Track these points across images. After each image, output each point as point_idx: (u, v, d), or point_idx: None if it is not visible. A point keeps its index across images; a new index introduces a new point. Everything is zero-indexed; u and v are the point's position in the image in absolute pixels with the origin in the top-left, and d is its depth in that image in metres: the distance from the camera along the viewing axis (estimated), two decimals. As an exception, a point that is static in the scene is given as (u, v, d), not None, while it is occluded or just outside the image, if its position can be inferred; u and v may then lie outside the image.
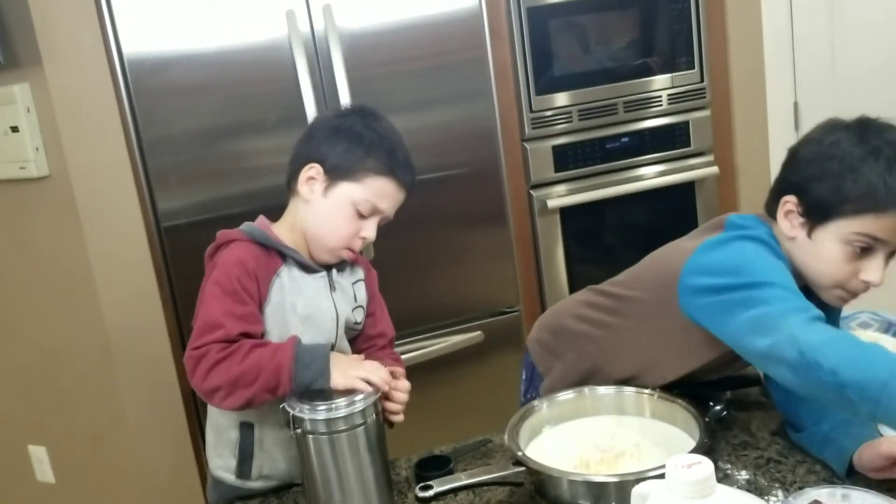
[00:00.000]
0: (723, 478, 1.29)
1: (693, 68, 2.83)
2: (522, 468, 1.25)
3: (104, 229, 2.31)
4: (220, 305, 1.33)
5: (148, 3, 2.23)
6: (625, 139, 2.80)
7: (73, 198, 2.27)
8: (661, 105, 2.83)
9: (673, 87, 2.83)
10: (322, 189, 1.41)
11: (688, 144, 2.88)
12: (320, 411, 1.24)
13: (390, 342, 1.60)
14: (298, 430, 1.24)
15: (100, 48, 2.24)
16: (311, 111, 2.34)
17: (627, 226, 2.87)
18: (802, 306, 1.19)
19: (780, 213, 1.32)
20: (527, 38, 2.64)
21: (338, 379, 1.29)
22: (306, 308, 1.42)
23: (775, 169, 2.88)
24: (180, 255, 2.35)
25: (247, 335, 1.33)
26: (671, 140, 2.87)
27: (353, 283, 1.51)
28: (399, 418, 1.39)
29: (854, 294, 1.31)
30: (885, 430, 1.34)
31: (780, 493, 1.24)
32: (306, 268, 1.43)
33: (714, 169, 2.89)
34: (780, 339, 1.14)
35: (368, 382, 1.29)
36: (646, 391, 1.43)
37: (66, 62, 2.22)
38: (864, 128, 1.28)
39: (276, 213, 1.49)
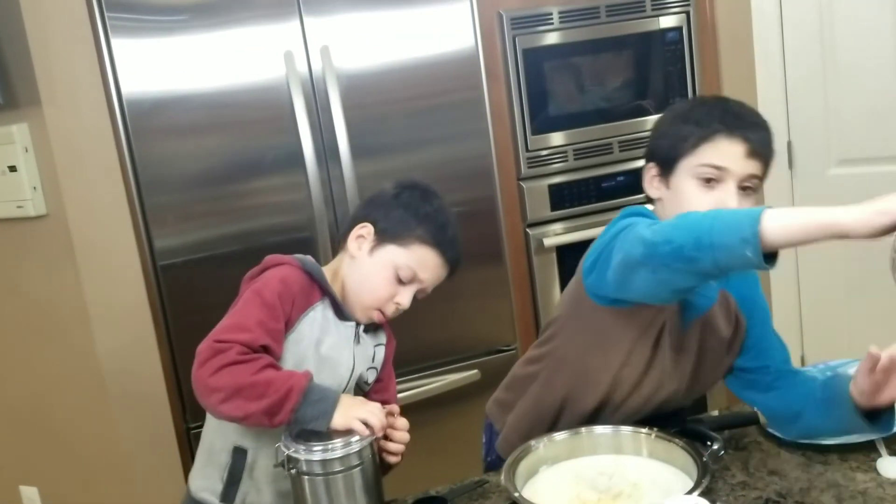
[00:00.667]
0: (721, 518, 1.29)
1: (687, 107, 2.86)
2: (518, 509, 1.24)
3: (100, 268, 2.30)
4: (256, 313, 1.35)
5: (147, 44, 2.25)
6: (620, 178, 2.82)
7: (69, 237, 2.27)
8: (655, 144, 2.84)
9: (667, 126, 2.85)
10: (369, 248, 1.46)
11: (682, 183, 2.89)
12: (316, 452, 1.24)
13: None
14: (293, 471, 1.24)
15: (99, 89, 2.25)
16: (308, 151, 2.36)
17: (623, 264, 2.88)
18: (651, 222, 1.30)
19: (646, 183, 1.48)
20: (523, 78, 2.67)
21: (338, 418, 1.29)
22: (329, 349, 1.43)
23: (770, 205, 2.94)
24: (177, 293, 2.34)
25: (267, 350, 1.33)
26: (666, 178, 2.88)
27: (375, 346, 1.54)
28: (396, 460, 1.39)
29: None
30: (885, 467, 1.34)
31: (778, 533, 1.23)
32: (340, 313, 1.46)
33: (709, 207, 2.90)
34: (630, 247, 1.24)
35: (366, 424, 1.28)
36: (643, 430, 1.42)
37: (65, 103, 2.24)
38: (701, 97, 1.43)
39: (273, 251, 1.50)
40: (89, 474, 2.45)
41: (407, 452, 1.39)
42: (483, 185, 2.60)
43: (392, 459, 1.38)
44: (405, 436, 1.38)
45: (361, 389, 1.55)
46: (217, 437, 1.47)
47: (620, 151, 2.81)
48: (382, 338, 1.57)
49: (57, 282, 2.32)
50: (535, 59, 2.68)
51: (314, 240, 2.41)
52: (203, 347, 1.31)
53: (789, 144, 2.91)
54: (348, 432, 1.26)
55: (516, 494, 1.25)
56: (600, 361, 1.46)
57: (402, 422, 1.39)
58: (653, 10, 2.78)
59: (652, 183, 1.47)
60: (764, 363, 1.53)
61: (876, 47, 2.73)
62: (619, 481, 1.35)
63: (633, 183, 2.83)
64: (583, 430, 1.44)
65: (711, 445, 1.38)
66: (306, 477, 1.24)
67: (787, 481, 1.36)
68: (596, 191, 2.79)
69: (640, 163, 2.76)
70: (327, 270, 1.49)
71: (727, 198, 1.35)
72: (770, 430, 1.52)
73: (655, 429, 1.41)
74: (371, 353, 1.53)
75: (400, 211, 1.46)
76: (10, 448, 2.56)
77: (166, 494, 2.41)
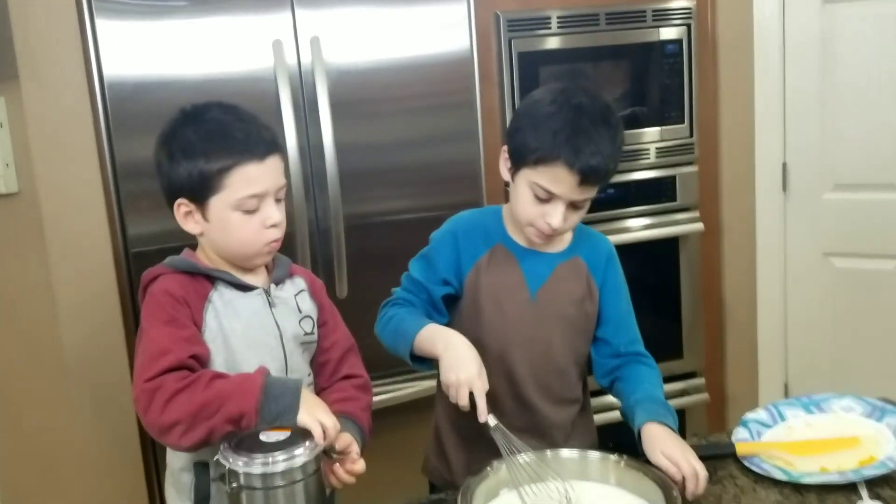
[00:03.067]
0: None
1: (682, 123, 2.81)
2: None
3: (70, 251, 2.23)
4: (163, 332, 1.28)
5: (133, 26, 2.18)
6: (610, 190, 2.76)
7: (40, 217, 2.19)
8: (648, 158, 2.80)
9: (661, 141, 2.80)
10: (201, 217, 1.38)
11: (674, 199, 2.84)
12: (256, 464, 1.16)
13: (350, 352, 1.55)
14: (234, 485, 1.17)
15: (80, 68, 2.18)
16: (291, 144, 2.28)
17: (609, 278, 2.82)
18: (395, 298, 1.55)
19: (501, 162, 1.52)
20: (517, 82, 2.61)
21: (303, 414, 1.24)
22: (247, 330, 1.37)
23: (761, 228, 2.92)
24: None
25: (196, 358, 1.28)
26: (657, 194, 2.84)
27: (296, 295, 1.47)
28: (338, 485, 1.33)
29: (543, 233, 1.46)
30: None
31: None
32: (241, 287, 1.39)
33: (699, 225, 2.85)
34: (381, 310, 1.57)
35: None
36: (612, 456, 1.36)
37: (45, 79, 2.16)
38: (566, 89, 1.45)
39: None
40: (49, 464, 2.37)
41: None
42: (469, 190, 2.53)
43: (334, 483, 1.32)
44: (350, 479, 1.33)
45: (310, 344, 1.48)
46: (175, 457, 1.41)
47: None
48: (301, 283, 1.50)
49: (24, 261, 2.24)
50: (531, 63, 2.62)
51: (292, 234, 2.34)
52: (137, 394, 1.26)
53: (784, 166, 2.85)
54: (289, 445, 1.19)
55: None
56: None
57: (360, 466, 1.34)
58: (654, 20, 2.72)
59: (505, 165, 1.52)
60: (624, 337, 1.58)
61: (878, 72, 2.68)
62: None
63: (623, 196, 2.79)
64: (548, 452, 1.38)
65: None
66: (245, 492, 1.17)
67: (760, 519, 1.31)
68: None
69: (632, 176, 2.83)
70: (202, 253, 1.43)
71: (553, 214, 1.43)
72: (745, 464, 1.46)
73: (625, 456, 1.35)
74: (294, 305, 1.46)
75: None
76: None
77: (125, 486, 2.34)
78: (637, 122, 2.77)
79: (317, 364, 1.52)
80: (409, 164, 2.46)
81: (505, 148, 1.51)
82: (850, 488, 1.36)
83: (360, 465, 1.33)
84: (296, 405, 1.23)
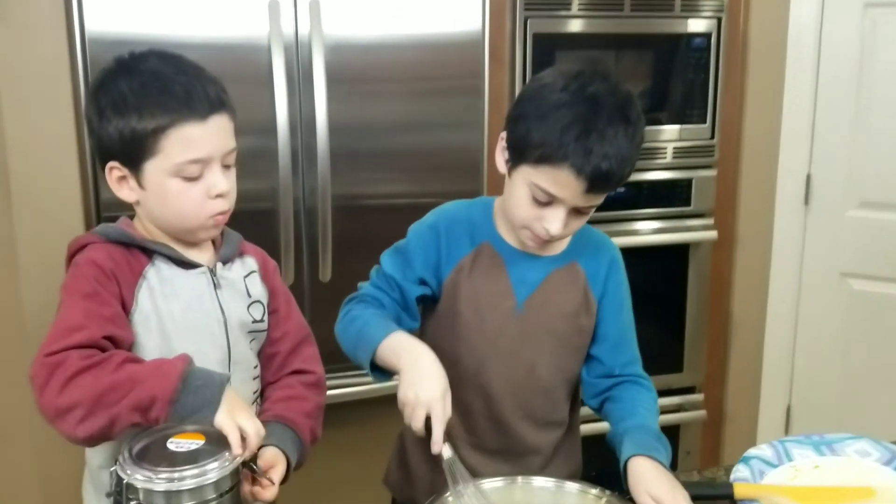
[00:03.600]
0: None
1: (704, 123, 2.66)
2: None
3: (37, 210, 2.10)
4: (80, 307, 1.12)
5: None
6: (620, 190, 2.59)
7: (7, 173, 2.06)
8: (665, 158, 2.64)
9: (680, 141, 2.65)
10: (136, 184, 1.21)
11: (688, 204, 2.70)
12: (160, 480, 0.99)
13: (303, 344, 1.39)
14: (133, 502, 1.00)
15: (60, 19, 2.04)
16: (282, 116, 2.14)
17: (611, 282, 2.67)
18: (363, 293, 1.36)
19: (498, 151, 1.33)
20: (529, 65, 2.44)
21: (222, 415, 1.07)
22: (186, 311, 1.21)
23: (778, 241, 2.75)
24: None
25: (112, 340, 1.11)
26: (670, 197, 2.69)
27: (245, 277, 1.31)
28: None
29: (539, 238, 1.29)
30: None
31: None
32: (182, 264, 1.23)
33: (712, 233, 2.70)
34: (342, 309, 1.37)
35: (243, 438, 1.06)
36: (593, 491, 1.20)
37: (20, 27, 2.02)
38: (581, 74, 1.24)
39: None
40: (2, 434, 2.26)
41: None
42: (469, 180, 2.38)
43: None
44: (264, 499, 1.17)
45: (259, 333, 1.32)
46: (94, 453, 1.25)
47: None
48: (252, 264, 1.34)
49: (-15, 220, 2.11)
50: (547, 47, 2.45)
51: (276, 211, 2.20)
52: (36, 369, 1.09)
53: (809, 178, 2.69)
54: (202, 457, 1.03)
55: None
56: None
57: (270, 494, 1.17)
58: (682, 10, 2.55)
59: (502, 154, 1.32)
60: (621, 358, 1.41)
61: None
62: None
63: (633, 197, 2.64)
64: (519, 479, 1.23)
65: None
66: None
67: (754, 577, 1.15)
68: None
69: (645, 176, 2.67)
70: (139, 223, 1.28)
71: (552, 220, 1.25)
72: (742, 507, 1.30)
73: (608, 492, 1.20)
74: (243, 288, 1.30)
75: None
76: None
77: (78, 459, 2.21)
78: (656, 119, 2.62)
79: (264, 356, 1.36)
80: (405, 147, 2.31)
81: (503, 136, 1.31)
82: (861, 548, 1.21)
83: (269, 493, 1.16)
84: (217, 401, 1.07)
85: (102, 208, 2.12)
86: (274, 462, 1.20)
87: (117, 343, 1.12)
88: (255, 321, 1.30)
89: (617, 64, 2.60)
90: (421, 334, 1.39)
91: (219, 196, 1.21)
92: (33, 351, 2.05)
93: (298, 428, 1.29)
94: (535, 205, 1.25)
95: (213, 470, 1.00)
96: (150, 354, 1.17)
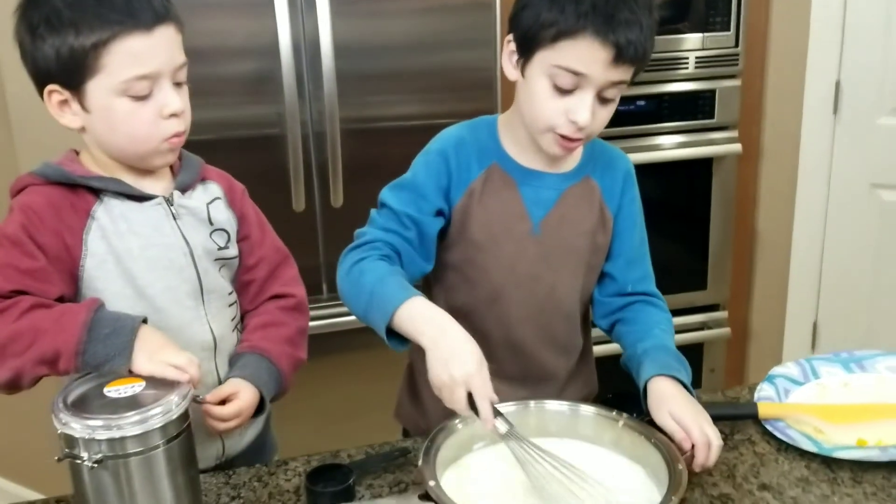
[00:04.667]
0: (690, 539, 1.03)
1: (728, 30, 2.53)
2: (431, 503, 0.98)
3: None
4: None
5: None
6: (640, 102, 2.51)
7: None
8: (686, 68, 2.54)
9: (703, 49, 2.53)
10: (79, 107, 1.12)
11: (711, 116, 2.59)
12: (98, 427, 0.91)
13: (282, 266, 1.33)
14: (69, 452, 0.92)
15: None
16: (285, 40, 2.04)
17: (633, 200, 2.60)
18: (370, 240, 1.21)
19: (504, 59, 1.24)
20: (542, -26, 2.32)
21: (143, 363, 1.02)
22: (145, 249, 1.15)
23: (806, 153, 2.65)
24: None
25: (24, 294, 1.06)
26: (693, 109, 2.58)
27: (209, 204, 1.24)
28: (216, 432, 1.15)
29: (567, 138, 1.19)
30: None
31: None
32: (135, 198, 1.16)
33: (737, 146, 2.60)
34: (341, 260, 1.22)
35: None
36: (610, 414, 1.15)
37: None
38: None
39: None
40: None
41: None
42: (482, 99, 2.27)
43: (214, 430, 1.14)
44: (216, 415, 1.14)
45: (227, 261, 1.26)
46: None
47: (645, 71, 2.47)
48: (215, 190, 1.26)
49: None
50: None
51: (283, 136, 2.12)
52: None
53: (838, 84, 2.57)
54: (156, 383, 0.99)
55: (431, 483, 1.00)
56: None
57: (225, 425, 1.14)
58: None
59: (510, 59, 1.22)
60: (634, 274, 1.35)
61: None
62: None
63: (654, 110, 2.54)
64: (532, 403, 1.18)
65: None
66: (86, 465, 0.92)
67: (781, 500, 1.10)
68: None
69: (666, 88, 2.56)
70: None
71: (580, 107, 1.15)
72: (768, 427, 1.25)
73: (625, 415, 1.15)
74: (204, 215, 1.22)
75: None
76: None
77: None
78: (677, 28, 2.50)
79: (240, 283, 1.30)
80: (415, 66, 2.21)
81: (510, 37, 1.20)
82: (892, 467, 1.15)
83: (223, 425, 1.14)
84: (128, 349, 1.01)
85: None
86: (233, 393, 1.16)
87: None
88: (220, 248, 1.24)
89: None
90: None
91: (172, 116, 1.12)
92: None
93: (273, 356, 1.24)
94: (559, 95, 1.16)
95: (157, 416, 0.93)
96: (115, 300, 1.11)
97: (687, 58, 2.53)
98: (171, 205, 1.18)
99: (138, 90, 1.09)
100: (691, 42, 2.52)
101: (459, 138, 1.28)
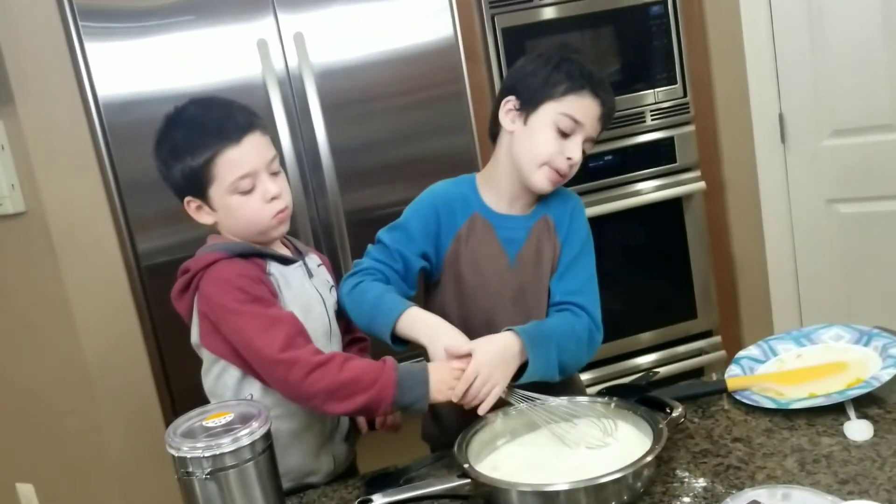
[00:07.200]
0: (679, 486, 1.25)
1: (675, 83, 2.81)
2: (467, 480, 1.21)
3: (82, 266, 2.30)
4: (263, 313, 1.38)
5: (122, 47, 2.24)
6: (608, 157, 2.77)
7: (49, 234, 2.27)
8: (644, 122, 2.80)
9: (656, 103, 2.81)
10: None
11: (674, 160, 2.85)
12: (204, 448, 1.18)
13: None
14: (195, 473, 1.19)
15: (73, 89, 2.25)
16: (287, 148, 2.32)
17: (614, 245, 2.82)
18: (366, 267, 1.53)
19: (502, 115, 1.55)
20: (503, 58, 2.63)
21: (435, 395, 1.36)
22: (296, 299, 1.46)
23: (764, 181, 2.92)
24: (161, 292, 2.28)
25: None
26: (656, 156, 2.84)
27: (318, 266, 1.57)
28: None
29: (559, 172, 1.51)
30: (852, 430, 1.30)
31: (736, 499, 1.20)
32: (284, 261, 1.48)
33: (701, 184, 2.85)
34: (342, 285, 1.55)
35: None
36: (601, 399, 1.40)
37: (39, 101, 2.24)
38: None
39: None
40: (82, 470, 2.46)
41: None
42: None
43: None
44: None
45: (337, 313, 1.57)
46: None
47: (608, 129, 2.74)
48: (315, 258, 1.60)
49: (38, 280, 2.33)
50: (516, 39, 2.64)
51: (295, 230, 2.36)
52: (272, 366, 1.36)
53: (781, 117, 2.85)
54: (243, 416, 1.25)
55: (466, 465, 1.23)
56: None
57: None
58: (633, -19, 2.72)
59: (508, 115, 1.54)
60: (565, 286, 1.58)
61: (864, 16, 2.66)
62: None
63: (622, 161, 2.80)
64: (535, 400, 1.41)
65: (671, 413, 1.36)
66: (196, 479, 1.18)
67: (750, 447, 1.33)
68: (580, 171, 2.72)
69: (630, 141, 2.83)
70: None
71: (573, 149, 1.50)
72: (737, 397, 1.48)
73: (615, 398, 1.39)
74: (323, 275, 1.57)
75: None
76: (6, 446, 2.58)
77: (155, 486, 2.40)
78: (630, 87, 2.78)
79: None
80: (404, 157, 2.47)
81: (510, 98, 1.54)
82: (838, 410, 1.38)
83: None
84: (426, 395, 1.35)
85: (141, 258, 2.31)
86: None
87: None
88: (336, 301, 1.56)
89: (585, 45, 2.77)
90: (429, 304, 1.59)
91: (273, 199, 1.44)
92: (97, 392, 2.29)
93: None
94: (559, 137, 1.49)
95: (245, 435, 1.19)
96: None
97: (643, 112, 2.79)
98: (307, 266, 1.51)
99: (243, 187, 1.41)
100: (646, 98, 2.79)
101: (446, 193, 1.58)
